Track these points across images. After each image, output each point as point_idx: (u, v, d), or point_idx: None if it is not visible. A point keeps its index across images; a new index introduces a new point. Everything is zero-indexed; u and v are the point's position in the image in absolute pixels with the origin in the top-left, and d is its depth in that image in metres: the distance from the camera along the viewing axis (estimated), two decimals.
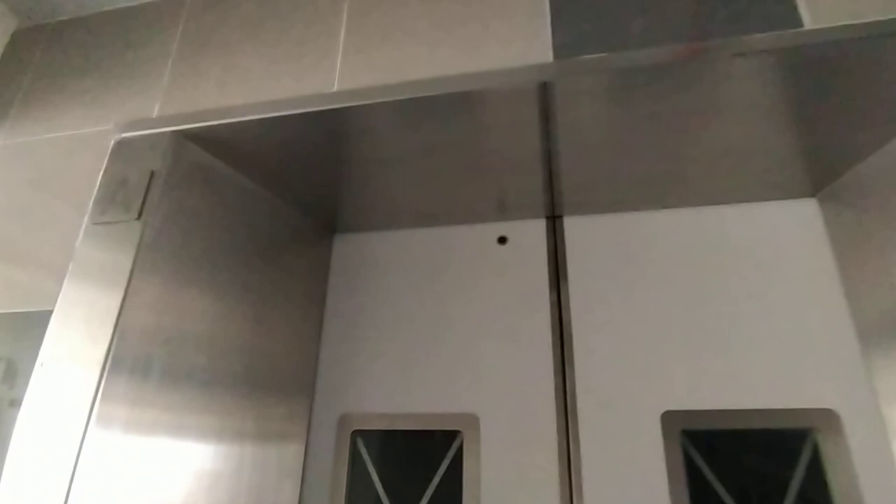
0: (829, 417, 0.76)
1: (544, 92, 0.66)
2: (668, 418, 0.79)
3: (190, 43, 0.81)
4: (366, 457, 0.88)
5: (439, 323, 0.93)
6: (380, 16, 0.75)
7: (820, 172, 0.84)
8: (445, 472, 0.84)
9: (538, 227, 0.96)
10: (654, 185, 0.88)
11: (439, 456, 0.85)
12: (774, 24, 0.60)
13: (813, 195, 0.88)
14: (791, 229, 0.87)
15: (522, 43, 0.67)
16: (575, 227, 0.95)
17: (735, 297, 0.84)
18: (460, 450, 0.84)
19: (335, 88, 0.71)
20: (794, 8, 0.61)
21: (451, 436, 0.86)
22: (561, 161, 0.82)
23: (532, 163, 0.83)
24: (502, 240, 0.96)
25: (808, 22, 0.60)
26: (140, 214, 0.67)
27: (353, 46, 0.73)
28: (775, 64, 0.61)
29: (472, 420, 0.85)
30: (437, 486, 0.84)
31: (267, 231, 0.88)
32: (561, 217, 0.96)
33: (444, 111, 0.70)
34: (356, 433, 0.89)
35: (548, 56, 0.65)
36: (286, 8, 0.79)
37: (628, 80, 0.65)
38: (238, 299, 0.80)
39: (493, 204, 0.95)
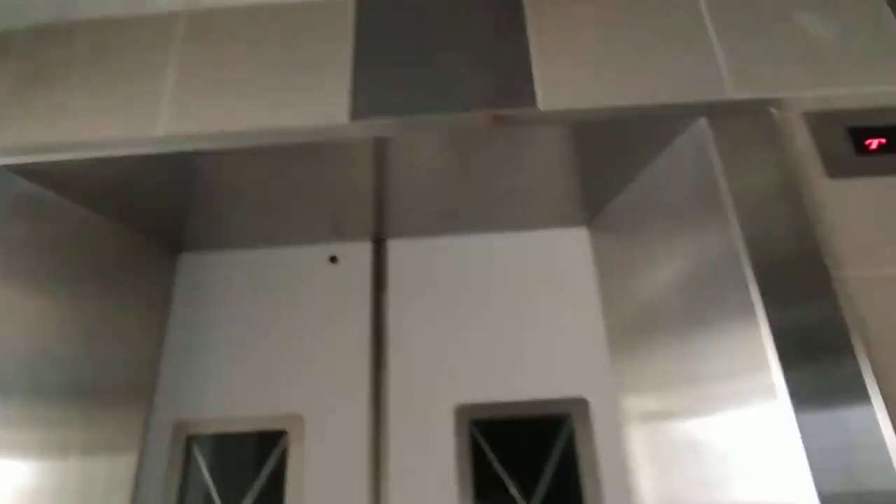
0: (581, 404, 0.96)
1: (378, 144, 0.80)
2: (460, 411, 0.96)
3: (18, 77, 0.85)
4: (200, 461, 0.97)
5: (274, 333, 1.04)
6: (206, 67, 0.84)
7: (588, 207, 1.05)
8: (273, 471, 0.95)
9: (365, 249, 1.09)
10: (463, 215, 1.05)
11: (268, 455, 0.96)
12: (518, 104, 0.78)
13: (585, 224, 1.09)
14: (568, 251, 1.08)
15: (327, 105, 0.79)
16: (397, 249, 1.09)
17: (519, 306, 1.03)
18: (286, 449, 0.95)
19: (160, 132, 0.79)
20: (533, 93, 0.79)
21: (279, 436, 0.97)
22: (388, 194, 0.97)
23: (362, 195, 0.97)
24: (333, 259, 1.09)
25: (541, 104, 0.78)
26: None
27: (180, 92, 0.82)
28: (520, 131, 0.80)
29: (298, 420, 0.97)
30: (266, 483, 0.95)
31: (102, 252, 0.93)
32: (385, 240, 1.10)
33: (277, 157, 0.82)
34: (191, 438, 0.98)
35: (344, 118, 0.78)
36: (116, 50, 0.86)
37: (440, 136, 0.81)
38: (68, 315, 0.85)
39: (327, 228, 1.07)
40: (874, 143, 0.74)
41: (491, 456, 0.95)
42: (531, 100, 0.78)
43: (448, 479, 0.92)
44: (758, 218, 0.69)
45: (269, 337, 1.04)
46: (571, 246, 1.08)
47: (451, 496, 0.90)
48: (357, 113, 0.79)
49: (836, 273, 0.66)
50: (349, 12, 0.87)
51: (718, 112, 0.77)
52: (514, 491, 0.93)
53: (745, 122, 0.76)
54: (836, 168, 0.73)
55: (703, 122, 0.76)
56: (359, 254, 1.09)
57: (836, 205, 0.71)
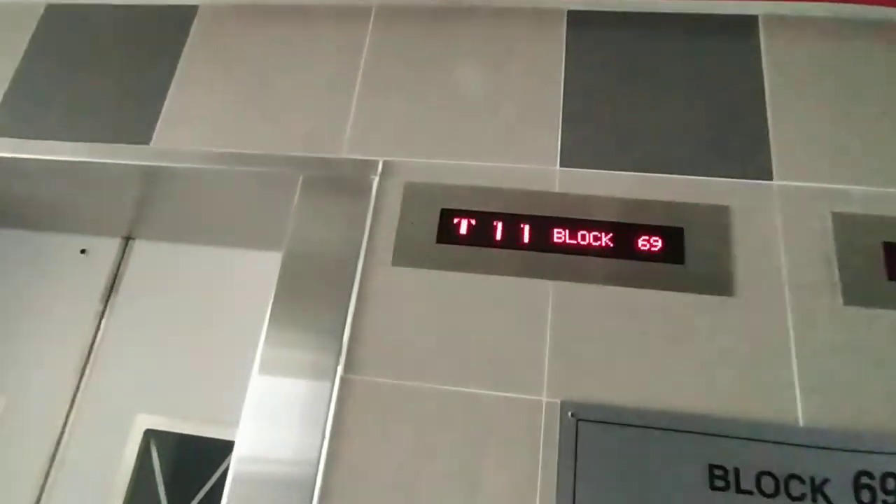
0: None
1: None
2: (143, 425, 0.98)
3: None
4: None
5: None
6: None
7: None
8: None
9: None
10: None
11: None
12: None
13: None
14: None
15: None
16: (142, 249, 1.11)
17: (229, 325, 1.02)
18: None
19: None
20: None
21: None
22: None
23: None
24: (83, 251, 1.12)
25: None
26: None
27: None
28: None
29: None
30: None
31: None
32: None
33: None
34: None
35: None
36: None
37: None
38: None
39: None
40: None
41: (156, 468, 0.97)
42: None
43: (117, 488, 0.94)
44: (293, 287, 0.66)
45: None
46: None
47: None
48: None
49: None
50: None
51: (314, 170, 0.72)
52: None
53: (337, 185, 0.71)
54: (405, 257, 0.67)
55: (301, 177, 0.72)
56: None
57: (391, 291, 0.66)
